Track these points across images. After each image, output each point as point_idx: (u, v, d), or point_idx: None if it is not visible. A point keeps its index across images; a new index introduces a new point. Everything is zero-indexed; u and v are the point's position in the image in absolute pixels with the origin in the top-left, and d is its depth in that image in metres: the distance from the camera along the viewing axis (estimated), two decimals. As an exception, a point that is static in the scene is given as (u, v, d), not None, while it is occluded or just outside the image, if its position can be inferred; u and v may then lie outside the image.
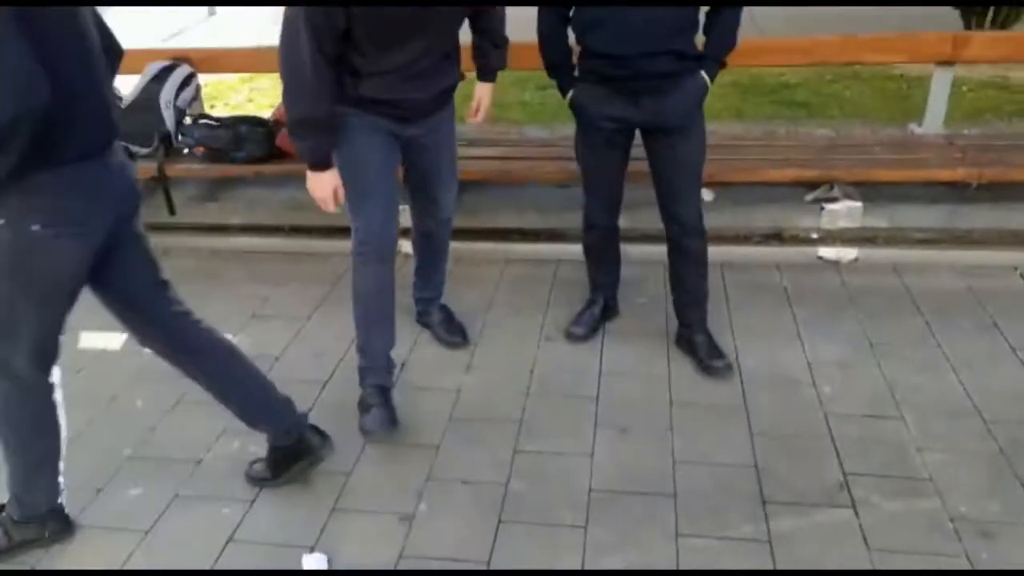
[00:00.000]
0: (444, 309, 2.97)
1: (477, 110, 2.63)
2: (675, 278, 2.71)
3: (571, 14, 2.37)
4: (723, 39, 2.37)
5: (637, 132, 2.49)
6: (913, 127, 3.79)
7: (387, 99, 2.22)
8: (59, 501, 2.04)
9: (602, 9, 2.25)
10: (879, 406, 2.45)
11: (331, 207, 2.29)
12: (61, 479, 2.04)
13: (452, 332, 2.91)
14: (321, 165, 2.22)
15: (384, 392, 2.45)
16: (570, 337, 2.87)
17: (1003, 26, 5.22)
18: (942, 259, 3.30)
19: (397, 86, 2.20)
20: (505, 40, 2.54)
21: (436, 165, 2.53)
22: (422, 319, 2.99)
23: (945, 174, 3.23)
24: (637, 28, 2.22)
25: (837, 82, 5.14)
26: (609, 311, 2.97)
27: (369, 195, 2.34)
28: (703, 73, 2.35)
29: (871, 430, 2.34)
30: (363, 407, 2.43)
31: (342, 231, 3.63)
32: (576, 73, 2.44)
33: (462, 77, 2.45)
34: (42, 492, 2.01)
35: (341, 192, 2.28)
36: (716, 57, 2.37)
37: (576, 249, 3.50)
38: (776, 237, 3.47)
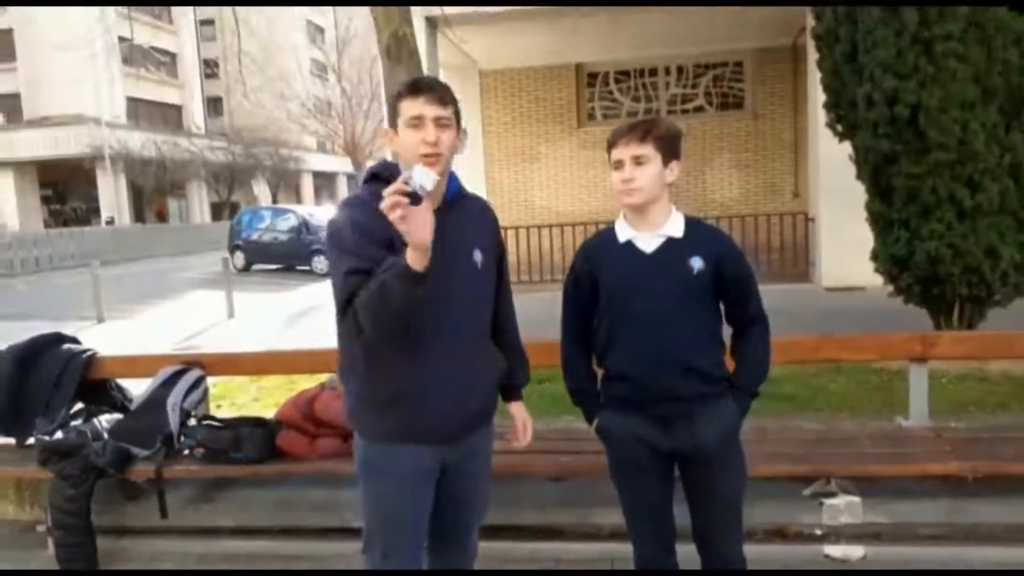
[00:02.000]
0: None
1: (524, 430, 2.43)
2: None
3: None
4: (752, 367, 2.29)
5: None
6: (900, 420, 3.87)
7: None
8: None
9: (617, 327, 2.25)
10: None
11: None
12: None
13: None
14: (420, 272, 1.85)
15: None
16: None
17: (970, 324, 5.56)
18: (953, 556, 3.18)
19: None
20: (527, 358, 2.44)
21: (474, 496, 2.31)
22: None
23: (938, 468, 3.24)
24: (653, 344, 2.18)
25: (821, 375, 5.34)
26: None
27: (396, 552, 2.14)
28: (733, 404, 2.25)
29: None
30: None
31: (336, 532, 3.62)
32: (601, 399, 2.35)
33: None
34: None
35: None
36: (745, 388, 2.28)
37: (576, 548, 3.44)
38: (779, 534, 3.39)
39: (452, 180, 2.14)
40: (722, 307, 2.33)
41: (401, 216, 1.78)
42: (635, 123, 2.25)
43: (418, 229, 1.81)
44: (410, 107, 2.00)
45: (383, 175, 2.08)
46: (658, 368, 2.20)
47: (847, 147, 5.87)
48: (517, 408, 2.44)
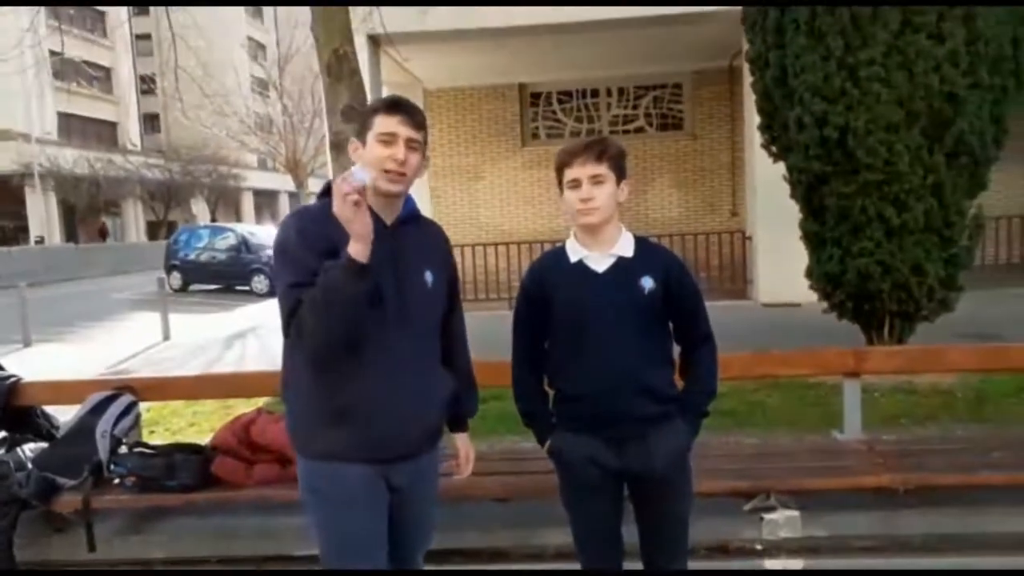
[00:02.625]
0: None
1: (467, 461, 2.39)
2: None
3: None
4: (702, 387, 2.30)
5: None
6: (836, 434, 3.97)
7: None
8: None
9: (569, 347, 2.24)
10: None
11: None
12: None
13: None
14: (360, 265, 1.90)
15: None
16: None
17: (899, 338, 5.75)
18: (888, 567, 3.27)
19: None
20: (476, 387, 2.42)
21: (419, 520, 2.25)
22: None
23: (871, 480, 3.33)
24: (606, 364, 2.18)
25: (759, 391, 5.45)
26: None
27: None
28: (684, 424, 2.26)
29: None
30: None
31: (275, 560, 3.52)
32: (554, 420, 2.33)
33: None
34: None
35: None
36: (696, 408, 2.29)
37: (520, 570, 3.41)
38: (721, 550, 3.43)
39: (408, 201, 2.17)
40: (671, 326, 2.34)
41: (356, 202, 1.85)
42: (590, 142, 2.25)
43: (361, 220, 1.87)
44: (385, 123, 2.03)
45: None
46: (611, 388, 2.19)
47: (782, 167, 6.04)
48: (462, 440, 2.40)
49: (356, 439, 2.02)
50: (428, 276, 2.14)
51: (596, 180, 2.20)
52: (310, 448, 2.09)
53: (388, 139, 2.02)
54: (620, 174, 2.25)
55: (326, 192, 2.11)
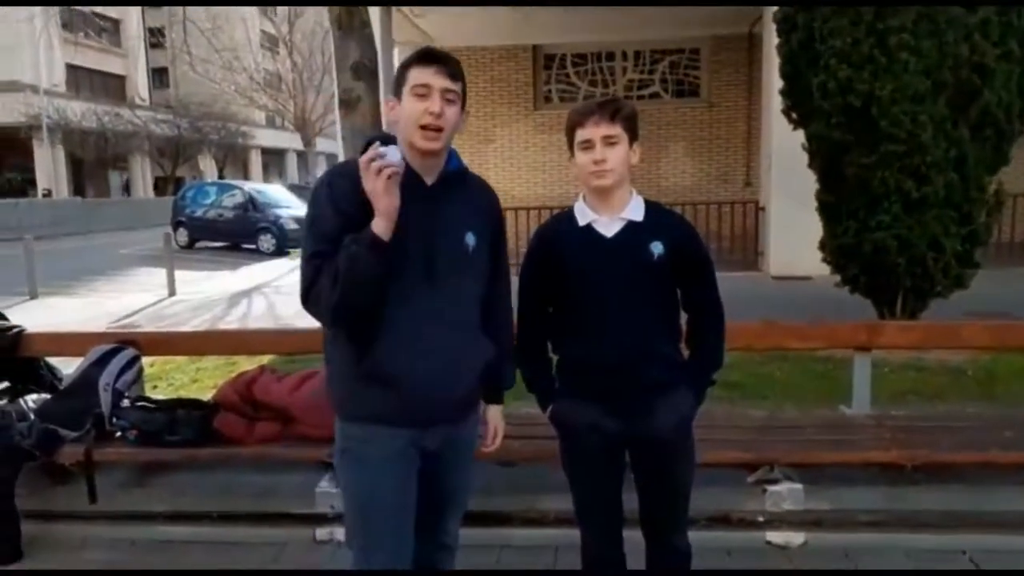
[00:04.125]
0: None
1: (493, 437, 2.31)
2: None
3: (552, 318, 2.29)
4: (709, 355, 2.26)
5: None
6: (843, 408, 3.92)
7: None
8: None
9: (575, 312, 2.20)
10: None
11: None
12: None
13: None
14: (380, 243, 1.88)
15: None
16: None
17: (912, 314, 5.67)
18: (891, 543, 3.24)
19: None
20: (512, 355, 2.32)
21: (452, 487, 2.20)
22: None
23: (878, 455, 3.28)
24: (612, 330, 2.14)
25: (767, 363, 5.40)
26: None
27: (378, 544, 2.04)
28: (689, 392, 2.22)
29: None
30: None
31: (276, 518, 3.52)
32: (557, 386, 2.29)
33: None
34: None
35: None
36: (702, 377, 2.25)
37: (522, 534, 3.41)
38: (723, 520, 3.40)
39: (452, 157, 2.08)
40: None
41: (390, 176, 1.82)
42: (603, 102, 2.17)
43: (391, 196, 1.85)
44: (419, 75, 1.95)
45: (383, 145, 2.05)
46: (616, 355, 2.14)
47: (799, 137, 5.91)
48: (493, 412, 2.31)
49: (387, 402, 1.98)
50: (470, 239, 2.05)
51: (609, 141, 2.12)
52: (345, 409, 2.06)
53: (423, 91, 1.94)
54: (633, 135, 2.18)
55: (368, 147, 2.03)
